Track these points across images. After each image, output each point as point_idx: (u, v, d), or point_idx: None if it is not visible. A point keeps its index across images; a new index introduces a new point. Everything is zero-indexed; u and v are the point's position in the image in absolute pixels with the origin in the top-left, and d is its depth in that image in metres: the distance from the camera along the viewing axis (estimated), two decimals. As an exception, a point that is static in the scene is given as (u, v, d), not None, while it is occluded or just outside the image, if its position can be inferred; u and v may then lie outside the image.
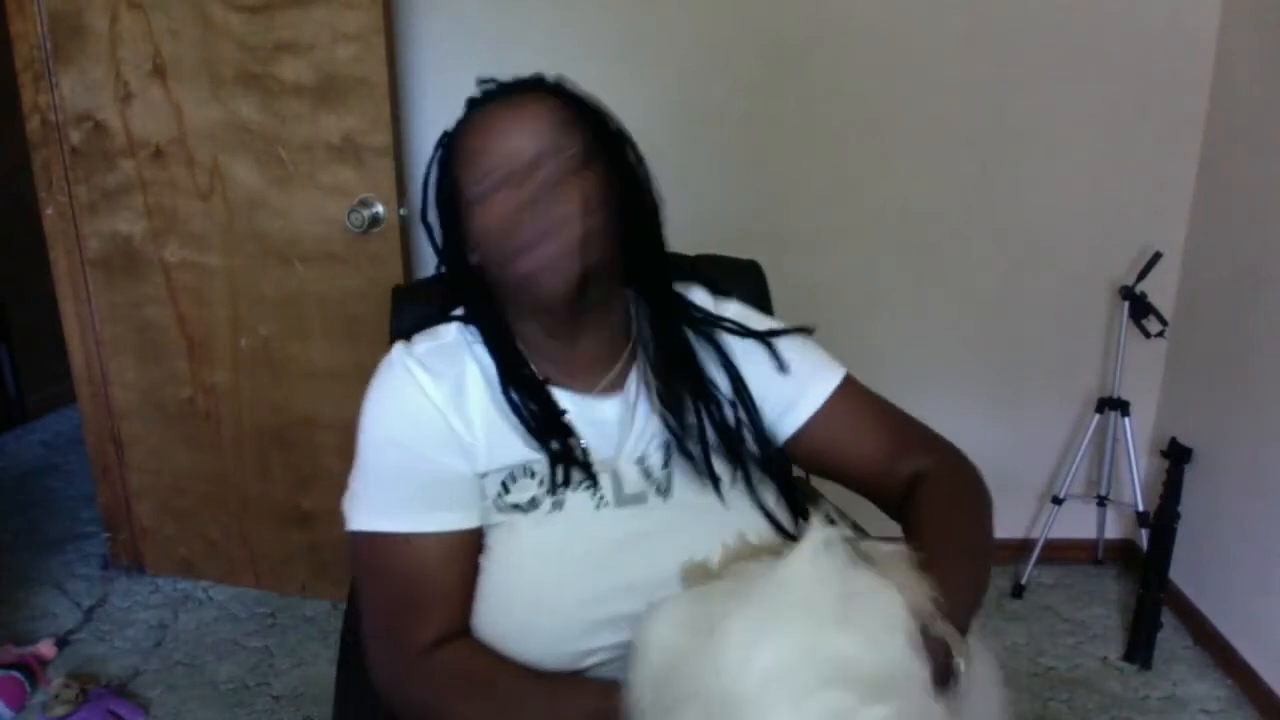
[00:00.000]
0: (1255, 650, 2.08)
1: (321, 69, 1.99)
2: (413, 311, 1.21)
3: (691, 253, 1.25)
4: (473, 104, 0.97)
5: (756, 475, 1.00)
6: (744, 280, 1.22)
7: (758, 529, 0.97)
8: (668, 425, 0.98)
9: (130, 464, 2.43)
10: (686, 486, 0.97)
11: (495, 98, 0.95)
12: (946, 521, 0.97)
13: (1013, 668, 2.17)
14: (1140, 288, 2.28)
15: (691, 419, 0.98)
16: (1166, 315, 2.30)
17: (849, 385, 1.05)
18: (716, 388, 1.01)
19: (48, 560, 2.60)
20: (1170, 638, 2.27)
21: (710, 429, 0.99)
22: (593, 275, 0.92)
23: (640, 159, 1.01)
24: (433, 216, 1.00)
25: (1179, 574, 2.29)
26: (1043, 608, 2.41)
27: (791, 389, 1.04)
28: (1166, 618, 2.26)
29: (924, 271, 2.42)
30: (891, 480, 1.02)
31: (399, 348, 0.98)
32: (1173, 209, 2.37)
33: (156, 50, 2.08)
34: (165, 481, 2.42)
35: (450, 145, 0.97)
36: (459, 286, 1.02)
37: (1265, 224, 2.08)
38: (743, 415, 1.01)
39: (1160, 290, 2.32)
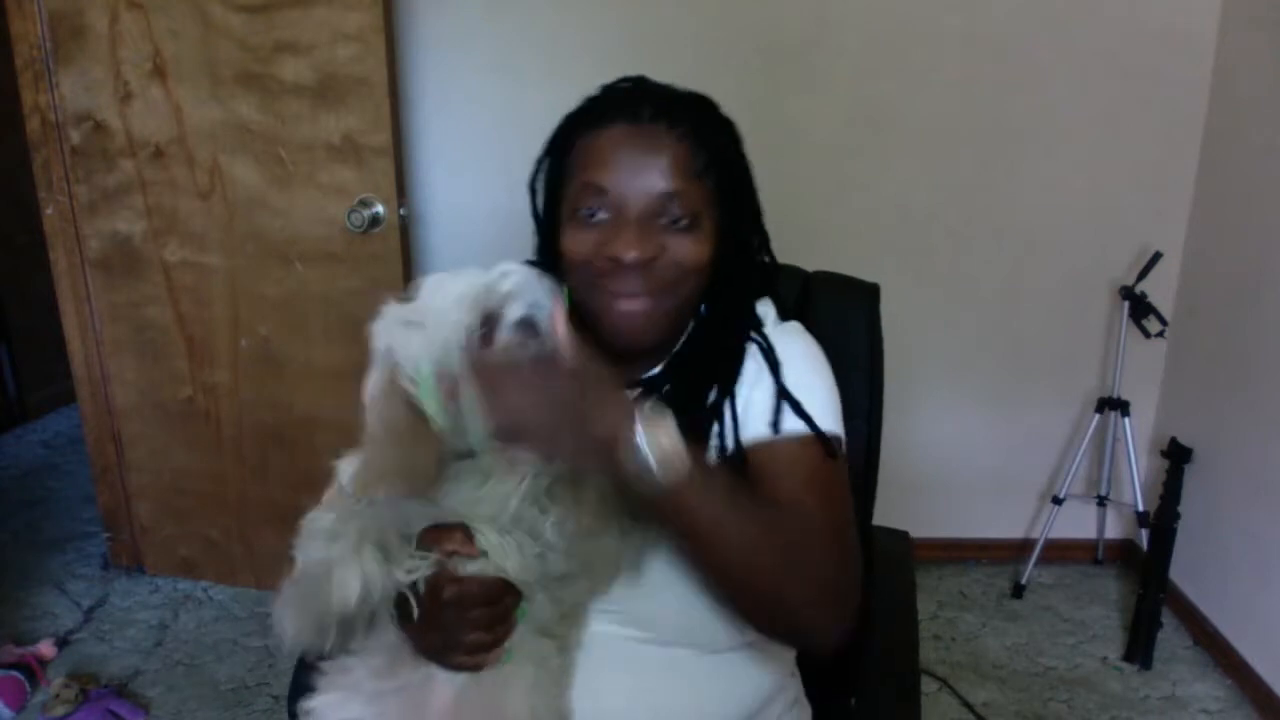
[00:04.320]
0: (1255, 650, 2.08)
1: (321, 69, 1.99)
2: None
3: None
4: (605, 107, 0.91)
5: None
6: (859, 301, 1.19)
7: None
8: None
9: (130, 464, 2.43)
10: None
11: (629, 117, 0.88)
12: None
13: (1012, 668, 2.18)
14: (1140, 288, 2.28)
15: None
16: (1166, 315, 2.29)
17: (801, 446, 0.90)
18: (719, 417, 0.93)
19: (48, 560, 2.60)
20: (1170, 638, 2.27)
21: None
22: (670, 331, 0.92)
23: (757, 207, 0.98)
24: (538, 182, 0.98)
25: (1179, 574, 2.29)
26: (1043, 608, 2.41)
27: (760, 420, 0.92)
28: (1166, 618, 2.26)
29: (924, 271, 2.42)
30: None
31: None
32: (1173, 209, 2.37)
33: (156, 50, 2.08)
34: (165, 481, 2.42)
35: (570, 139, 0.92)
36: (543, 257, 0.98)
37: (1265, 224, 2.08)
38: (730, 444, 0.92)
39: (1160, 290, 2.32)
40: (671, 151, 0.87)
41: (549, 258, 0.97)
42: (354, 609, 0.78)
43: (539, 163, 0.97)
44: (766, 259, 1.02)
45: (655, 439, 0.73)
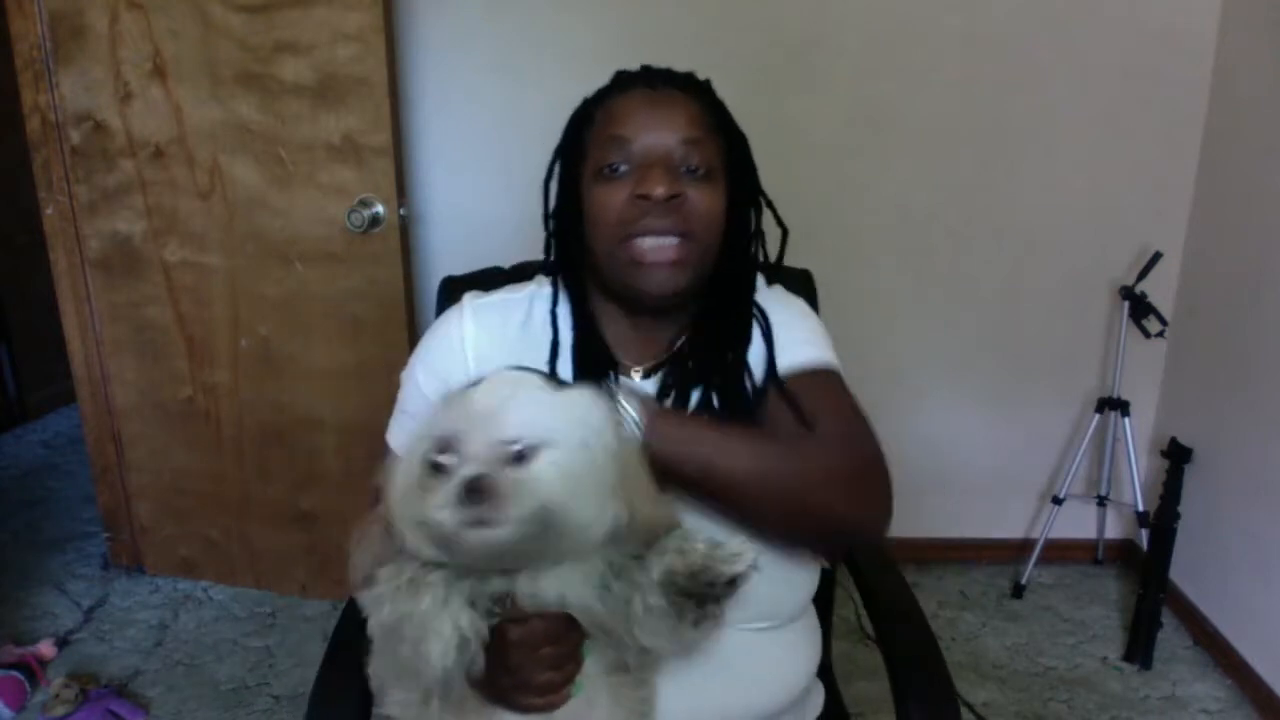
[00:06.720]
0: (1255, 650, 2.08)
1: (321, 69, 1.99)
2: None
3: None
4: (620, 81, 0.98)
5: None
6: (792, 288, 1.22)
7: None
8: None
9: (130, 464, 2.43)
10: None
11: (645, 84, 0.96)
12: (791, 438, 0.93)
13: (1012, 668, 2.18)
14: (1140, 288, 2.28)
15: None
16: (1166, 315, 2.29)
17: (813, 377, 0.98)
18: (741, 387, 0.99)
19: (48, 560, 2.60)
20: (1170, 638, 2.27)
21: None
22: (694, 282, 0.96)
23: (757, 182, 1.03)
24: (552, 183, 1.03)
25: (1179, 574, 2.29)
26: (1043, 608, 2.41)
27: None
28: (1166, 618, 2.26)
29: (924, 271, 2.42)
30: None
31: (469, 295, 1.04)
32: (1173, 209, 2.37)
33: (156, 50, 2.08)
34: (165, 481, 2.43)
35: (589, 115, 0.98)
36: (561, 252, 1.03)
37: (1265, 224, 2.08)
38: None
39: (1160, 290, 2.32)
40: (686, 108, 0.94)
41: (564, 254, 1.01)
42: (454, 664, 0.74)
43: (555, 157, 1.01)
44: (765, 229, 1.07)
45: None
